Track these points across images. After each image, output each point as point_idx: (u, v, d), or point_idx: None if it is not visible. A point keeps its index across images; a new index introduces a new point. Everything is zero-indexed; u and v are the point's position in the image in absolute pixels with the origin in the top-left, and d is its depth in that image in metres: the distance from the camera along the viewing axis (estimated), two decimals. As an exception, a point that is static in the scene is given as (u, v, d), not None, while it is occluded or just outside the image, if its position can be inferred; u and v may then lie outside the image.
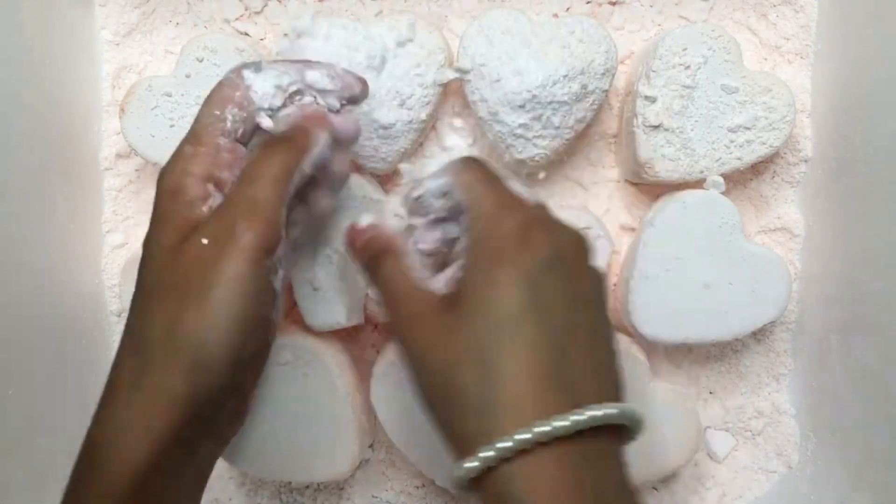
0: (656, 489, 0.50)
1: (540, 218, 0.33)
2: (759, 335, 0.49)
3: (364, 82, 0.38)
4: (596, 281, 0.33)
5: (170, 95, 0.44)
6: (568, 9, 0.48)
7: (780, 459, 0.50)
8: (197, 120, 0.35)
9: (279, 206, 0.33)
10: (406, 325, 0.33)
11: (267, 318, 0.33)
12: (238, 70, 0.36)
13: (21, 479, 0.42)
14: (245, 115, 0.35)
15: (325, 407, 0.45)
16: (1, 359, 0.41)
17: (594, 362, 0.31)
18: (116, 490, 0.30)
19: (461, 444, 0.30)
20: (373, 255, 0.36)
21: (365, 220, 0.37)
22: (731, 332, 0.45)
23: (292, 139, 0.35)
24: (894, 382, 0.41)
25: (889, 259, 0.41)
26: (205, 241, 0.32)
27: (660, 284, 0.44)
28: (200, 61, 0.44)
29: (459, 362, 0.30)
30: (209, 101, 0.36)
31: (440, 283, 0.33)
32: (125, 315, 0.49)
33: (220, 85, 0.36)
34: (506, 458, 0.28)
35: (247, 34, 0.48)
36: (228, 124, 0.35)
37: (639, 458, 0.32)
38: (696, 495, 0.50)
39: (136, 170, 0.50)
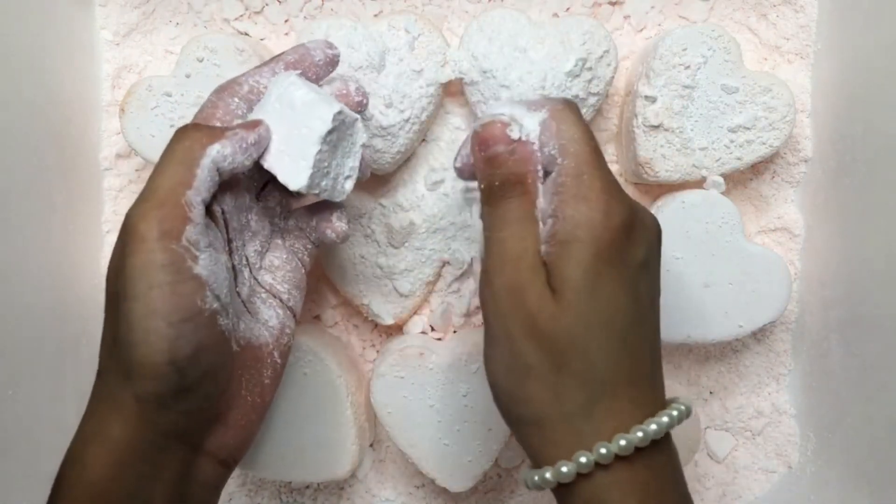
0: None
1: (638, 210, 0.31)
2: (759, 335, 0.49)
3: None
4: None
5: (170, 95, 0.44)
6: (568, 9, 0.48)
7: (780, 459, 0.50)
8: None
9: (179, 189, 0.31)
10: (508, 288, 0.30)
11: (197, 309, 0.30)
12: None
13: (21, 479, 0.42)
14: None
15: (325, 407, 0.45)
16: (1, 359, 0.41)
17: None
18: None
19: (552, 442, 0.29)
20: (506, 180, 0.31)
21: (502, 113, 0.32)
22: (731, 332, 0.45)
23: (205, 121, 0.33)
24: (894, 382, 0.41)
25: (889, 259, 0.41)
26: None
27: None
28: (200, 61, 0.44)
29: (562, 352, 0.29)
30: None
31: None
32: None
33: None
34: (604, 464, 0.28)
35: (247, 34, 0.48)
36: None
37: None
38: (696, 495, 0.50)
39: (136, 170, 0.50)
